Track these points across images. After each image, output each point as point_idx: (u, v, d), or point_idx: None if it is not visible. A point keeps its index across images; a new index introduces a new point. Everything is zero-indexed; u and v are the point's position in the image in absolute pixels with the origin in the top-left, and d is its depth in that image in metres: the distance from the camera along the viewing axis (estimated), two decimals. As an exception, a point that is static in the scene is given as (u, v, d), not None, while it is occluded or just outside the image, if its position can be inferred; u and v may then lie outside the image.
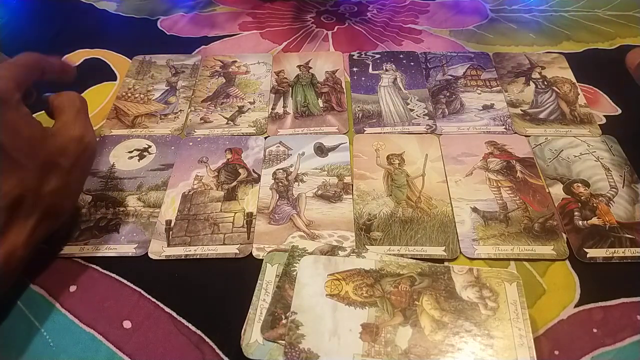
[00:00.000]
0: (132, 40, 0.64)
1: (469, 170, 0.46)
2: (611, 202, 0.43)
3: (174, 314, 0.36)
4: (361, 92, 0.55)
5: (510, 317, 0.34)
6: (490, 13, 0.68)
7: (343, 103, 0.54)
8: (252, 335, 0.34)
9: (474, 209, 0.43)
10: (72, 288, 0.38)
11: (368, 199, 0.44)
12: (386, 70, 0.58)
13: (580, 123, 0.51)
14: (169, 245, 0.41)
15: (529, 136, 0.50)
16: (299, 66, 0.59)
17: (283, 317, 0.35)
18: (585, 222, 0.42)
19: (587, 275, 0.38)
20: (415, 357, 0.32)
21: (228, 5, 0.70)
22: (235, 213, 0.43)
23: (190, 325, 0.36)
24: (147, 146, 0.49)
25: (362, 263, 0.37)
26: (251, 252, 0.40)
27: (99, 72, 0.58)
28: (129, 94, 0.55)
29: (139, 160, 0.48)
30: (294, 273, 0.37)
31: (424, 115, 0.52)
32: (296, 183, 0.46)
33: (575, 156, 0.47)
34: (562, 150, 0.48)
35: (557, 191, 0.44)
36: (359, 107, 0.53)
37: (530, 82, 0.56)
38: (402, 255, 0.39)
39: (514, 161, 0.47)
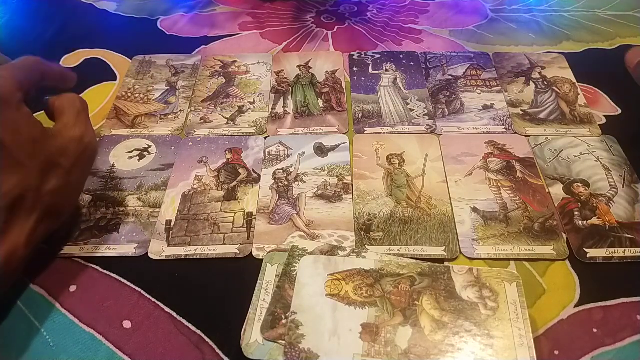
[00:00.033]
0: (132, 40, 0.64)
1: (469, 170, 0.46)
2: (611, 202, 0.43)
3: (174, 314, 0.36)
4: (361, 92, 0.55)
5: (510, 317, 0.34)
6: (490, 13, 0.68)
7: (343, 103, 0.54)
8: (252, 335, 0.34)
9: (474, 209, 0.43)
10: (72, 288, 0.38)
11: (368, 199, 0.44)
12: (386, 70, 0.58)
13: (580, 123, 0.51)
14: (169, 245, 0.41)
15: (529, 136, 0.50)
16: (299, 66, 0.59)
17: (283, 317, 0.35)
18: (585, 222, 0.42)
19: (587, 275, 0.38)
20: (415, 357, 0.32)
21: (228, 5, 0.70)
22: (235, 213, 0.43)
23: (190, 325, 0.36)
24: (147, 146, 0.49)
25: (362, 263, 0.37)
26: (251, 252, 0.40)
27: (99, 72, 0.58)
28: (129, 94, 0.55)
29: (139, 160, 0.48)
30: (294, 273, 0.37)
31: (424, 115, 0.52)
32: (296, 183, 0.46)
33: (575, 156, 0.47)
34: (562, 150, 0.48)
35: (557, 191, 0.44)
36: (359, 107, 0.53)
37: (530, 82, 0.56)
38: (402, 255, 0.39)
39: (514, 161, 0.47)
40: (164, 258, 0.40)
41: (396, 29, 0.65)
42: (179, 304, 0.37)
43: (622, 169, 0.46)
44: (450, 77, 0.57)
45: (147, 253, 0.40)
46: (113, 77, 0.58)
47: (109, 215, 0.43)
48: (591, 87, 0.55)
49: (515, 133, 0.50)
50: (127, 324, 0.36)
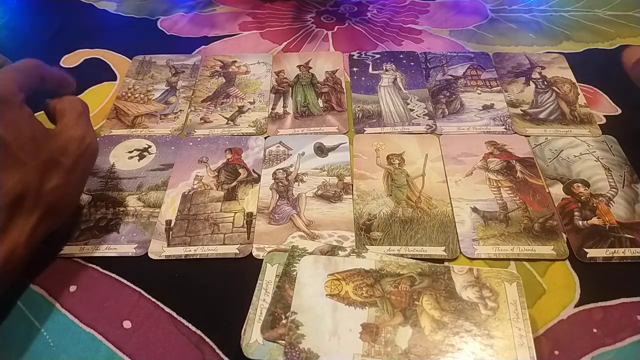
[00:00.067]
0: (132, 40, 0.64)
1: (469, 170, 0.46)
2: (611, 202, 0.43)
3: (174, 314, 0.36)
4: (361, 92, 0.55)
5: (510, 317, 0.34)
6: (490, 13, 0.68)
7: (343, 103, 0.54)
8: (252, 335, 0.34)
9: (474, 209, 0.43)
10: (72, 288, 0.38)
11: (368, 199, 0.44)
12: (386, 70, 0.58)
13: (580, 123, 0.51)
14: (169, 245, 0.41)
15: (529, 136, 0.50)
16: (299, 66, 0.59)
17: (283, 317, 0.35)
18: (585, 222, 0.42)
19: (587, 275, 0.38)
20: (415, 357, 0.32)
21: (228, 5, 0.70)
22: (235, 213, 0.43)
23: (190, 325, 0.36)
24: (147, 146, 0.49)
25: (362, 263, 0.37)
26: (251, 252, 0.40)
27: (99, 72, 0.58)
28: (129, 94, 0.55)
29: (139, 160, 0.48)
30: (294, 273, 0.37)
31: (424, 115, 0.52)
32: (296, 183, 0.46)
33: (575, 156, 0.47)
34: (562, 150, 0.48)
35: (557, 191, 0.44)
36: (359, 107, 0.53)
37: (530, 82, 0.56)
38: (402, 255, 0.39)
39: (514, 161, 0.47)
40: (164, 258, 0.40)
41: (396, 29, 0.65)
42: (179, 304, 0.37)
43: (622, 169, 0.46)
44: (450, 77, 0.57)
45: (147, 253, 0.40)
46: (113, 77, 0.58)
47: (109, 215, 0.43)
48: (591, 87, 0.55)
49: (515, 133, 0.50)
50: (127, 324, 0.36)
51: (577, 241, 0.41)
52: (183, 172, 0.47)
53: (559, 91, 0.54)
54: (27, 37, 0.65)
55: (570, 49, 0.61)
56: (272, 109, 0.53)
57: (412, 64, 0.59)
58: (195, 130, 0.51)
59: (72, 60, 0.60)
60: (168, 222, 0.42)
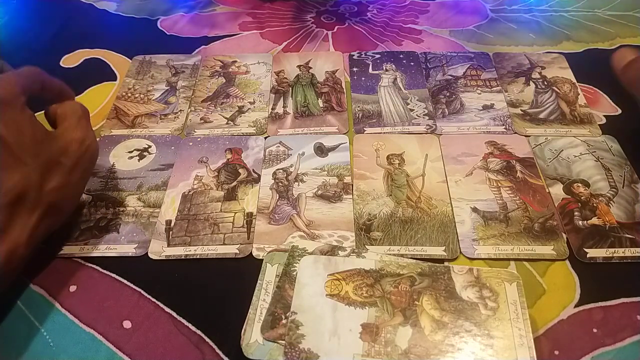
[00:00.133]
0: (132, 40, 0.64)
1: (469, 170, 0.46)
2: (611, 202, 0.43)
3: (174, 314, 0.36)
4: (361, 92, 0.55)
5: (510, 317, 0.34)
6: (490, 13, 0.68)
7: (343, 103, 0.54)
8: (252, 335, 0.34)
9: (474, 209, 0.43)
10: (72, 288, 0.38)
11: (368, 199, 0.44)
12: (386, 70, 0.58)
13: (580, 123, 0.51)
14: (169, 245, 0.41)
15: (529, 136, 0.50)
16: (299, 66, 0.59)
17: (283, 317, 0.35)
18: (585, 222, 0.42)
19: (587, 275, 0.38)
20: (415, 357, 0.32)
21: (228, 5, 0.70)
22: (235, 213, 0.43)
23: (190, 325, 0.36)
24: (147, 146, 0.49)
25: (362, 263, 0.37)
26: (251, 252, 0.40)
27: (99, 72, 0.58)
28: (129, 94, 0.55)
29: (139, 160, 0.48)
30: (294, 273, 0.37)
31: (424, 115, 0.52)
32: (296, 183, 0.46)
33: (575, 156, 0.47)
34: (562, 150, 0.48)
35: (557, 191, 0.44)
36: (359, 107, 0.53)
37: (530, 82, 0.56)
38: (402, 255, 0.39)
39: (514, 161, 0.47)
40: (164, 258, 0.40)
41: (396, 29, 0.65)
42: (179, 304, 0.37)
43: (622, 169, 0.46)
44: (450, 77, 0.57)
45: (147, 253, 0.40)
46: (113, 77, 0.58)
47: (109, 215, 0.43)
48: (591, 87, 0.55)
49: (515, 133, 0.50)
50: (127, 324, 0.36)
51: (577, 241, 0.41)
52: (183, 172, 0.47)
53: (559, 91, 0.54)
54: (27, 37, 0.65)
55: (570, 49, 0.61)
56: (272, 109, 0.53)
57: (412, 64, 0.59)
58: (195, 130, 0.51)
59: (72, 60, 0.60)
60: (168, 222, 0.42)
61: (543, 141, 0.49)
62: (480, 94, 0.54)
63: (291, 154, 0.48)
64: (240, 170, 0.47)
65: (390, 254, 0.39)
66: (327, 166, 0.47)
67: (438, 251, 0.40)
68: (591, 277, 0.38)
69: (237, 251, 0.40)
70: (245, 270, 0.38)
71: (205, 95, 0.55)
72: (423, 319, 0.34)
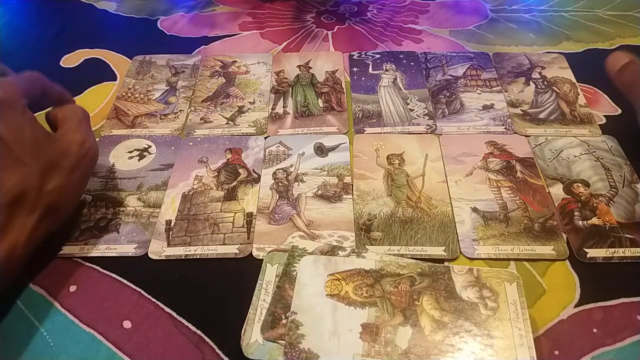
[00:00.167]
0: (132, 40, 0.64)
1: (469, 170, 0.46)
2: (611, 202, 0.43)
3: (174, 314, 0.36)
4: (361, 92, 0.55)
5: (510, 317, 0.34)
6: (490, 13, 0.68)
7: (343, 103, 0.54)
8: (252, 335, 0.34)
9: (474, 209, 0.43)
10: (72, 288, 0.38)
11: (368, 199, 0.44)
12: (386, 70, 0.58)
13: (580, 123, 0.51)
14: (169, 245, 0.41)
15: (529, 136, 0.50)
16: (299, 66, 0.59)
17: (283, 317, 0.35)
18: (585, 222, 0.42)
19: (587, 275, 0.38)
20: (415, 357, 0.32)
21: (228, 5, 0.70)
22: (235, 213, 0.43)
23: (190, 325, 0.36)
24: (147, 146, 0.49)
25: (362, 263, 0.37)
26: (251, 252, 0.40)
27: (99, 72, 0.58)
28: (129, 94, 0.55)
29: (139, 160, 0.48)
30: (294, 273, 0.37)
31: (424, 115, 0.52)
32: (296, 183, 0.46)
33: (575, 156, 0.47)
34: (562, 150, 0.48)
35: (557, 191, 0.44)
36: (359, 107, 0.53)
37: (530, 82, 0.56)
38: (402, 255, 0.39)
39: (514, 161, 0.47)
40: (164, 258, 0.40)
41: (396, 29, 0.65)
42: (179, 304, 0.37)
43: (622, 169, 0.46)
44: (450, 77, 0.57)
45: (147, 253, 0.40)
46: (113, 77, 0.58)
47: (109, 215, 0.43)
48: (591, 87, 0.55)
49: (515, 133, 0.50)
50: (127, 324, 0.36)
51: (577, 241, 0.41)
52: (183, 172, 0.47)
53: (559, 91, 0.54)
54: (27, 37, 0.65)
55: (570, 49, 0.61)
56: (272, 109, 0.53)
57: (412, 64, 0.59)
58: (195, 130, 0.51)
59: (72, 60, 0.60)
60: (168, 222, 0.42)
61: (543, 141, 0.49)
62: (480, 94, 0.54)
63: (291, 154, 0.48)
64: (240, 170, 0.47)
65: (390, 254, 0.39)
66: (327, 166, 0.47)
67: (438, 251, 0.40)
68: (591, 277, 0.38)
69: (237, 251, 0.40)
70: (245, 270, 0.38)
71: (205, 95, 0.55)
72: (423, 319, 0.34)
